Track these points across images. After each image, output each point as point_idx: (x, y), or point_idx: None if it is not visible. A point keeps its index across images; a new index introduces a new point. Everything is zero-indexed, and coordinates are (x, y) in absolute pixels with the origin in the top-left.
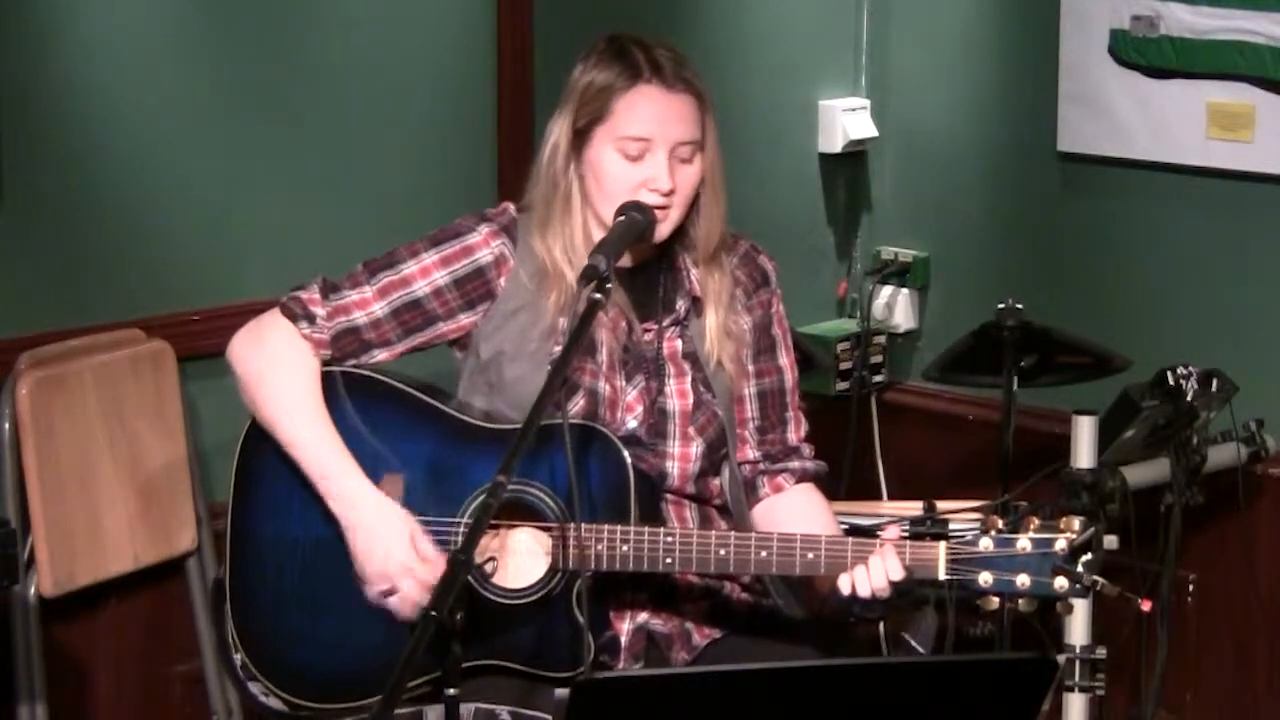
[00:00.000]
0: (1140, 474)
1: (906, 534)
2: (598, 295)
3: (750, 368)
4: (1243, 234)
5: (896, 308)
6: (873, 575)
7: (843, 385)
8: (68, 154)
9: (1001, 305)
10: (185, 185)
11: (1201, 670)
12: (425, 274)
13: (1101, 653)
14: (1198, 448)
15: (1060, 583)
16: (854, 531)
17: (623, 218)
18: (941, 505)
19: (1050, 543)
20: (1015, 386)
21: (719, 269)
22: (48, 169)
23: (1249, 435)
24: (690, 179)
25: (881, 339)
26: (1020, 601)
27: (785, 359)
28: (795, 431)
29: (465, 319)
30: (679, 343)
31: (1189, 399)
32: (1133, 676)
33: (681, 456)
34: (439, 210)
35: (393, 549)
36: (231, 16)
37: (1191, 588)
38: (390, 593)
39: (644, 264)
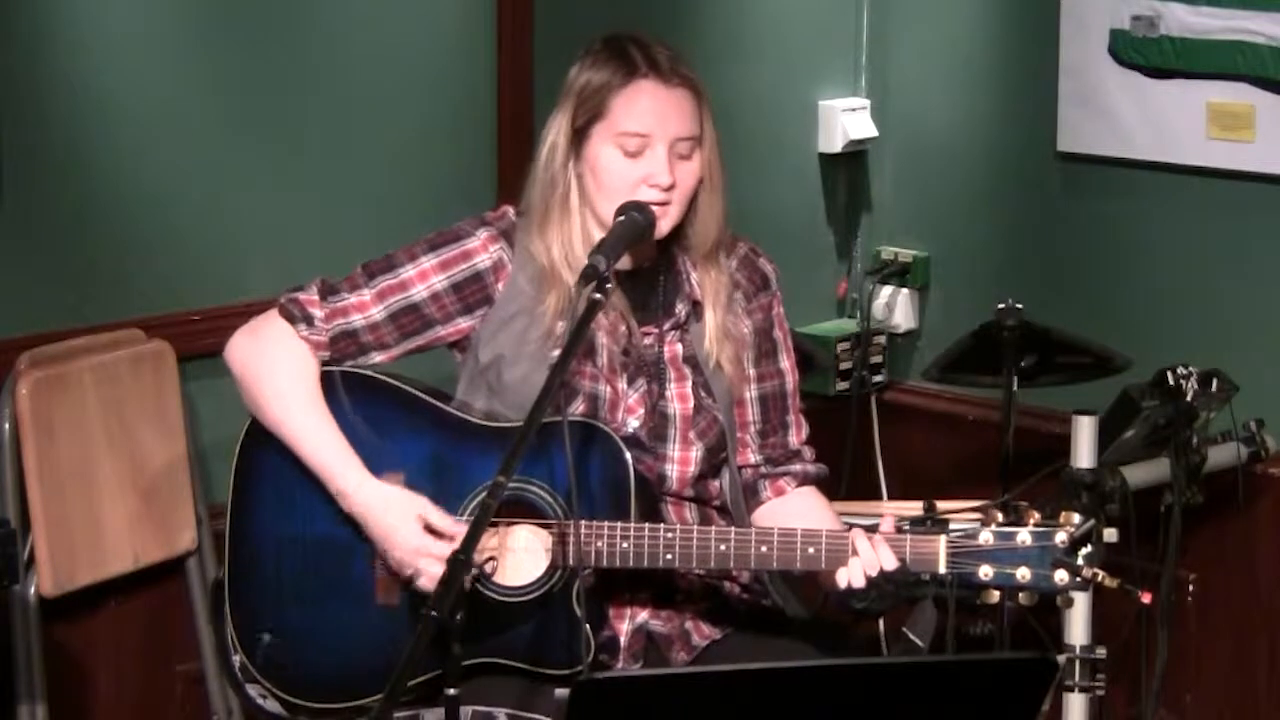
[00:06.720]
0: (1140, 474)
1: (905, 528)
2: (597, 295)
3: (751, 371)
4: (1243, 234)
5: (896, 308)
6: (865, 562)
7: (843, 385)
8: (67, 154)
9: (1001, 305)
10: (185, 185)
11: (1201, 670)
12: (423, 278)
13: (1101, 653)
14: (1198, 448)
15: (1060, 575)
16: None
17: (623, 218)
18: (941, 505)
19: (1050, 535)
20: (1015, 386)
21: (716, 267)
22: (48, 169)
23: (1249, 435)
24: (690, 175)
25: (881, 339)
26: (1020, 595)
27: (786, 362)
28: (796, 434)
29: (463, 323)
30: (679, 346)
31: (1189, 399)
32: (1133, 676)
33: (681, 460)
34: (439, 211)
35: (404, 536)
36: (231, 16)
37: (1191, 588)
38: (414, 578)
39: (642, 267)
